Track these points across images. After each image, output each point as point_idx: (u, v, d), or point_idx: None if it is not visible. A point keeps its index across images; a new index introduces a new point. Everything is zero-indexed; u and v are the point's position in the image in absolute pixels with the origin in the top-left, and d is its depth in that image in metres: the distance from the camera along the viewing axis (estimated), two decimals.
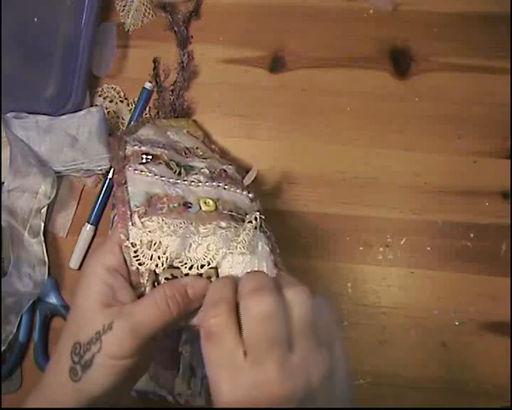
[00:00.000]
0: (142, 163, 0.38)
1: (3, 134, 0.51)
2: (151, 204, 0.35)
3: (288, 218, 0.51)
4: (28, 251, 0.51)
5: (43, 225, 0.51)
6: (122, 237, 0.34)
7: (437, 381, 0.48)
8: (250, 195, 0.40)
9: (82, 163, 0.51)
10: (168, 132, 0.46)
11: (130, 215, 0.34)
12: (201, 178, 0.39)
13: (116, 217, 0.46)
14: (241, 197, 0.39)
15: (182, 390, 0.48)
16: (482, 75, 0.51)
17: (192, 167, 0.40)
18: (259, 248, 0.36)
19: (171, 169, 0.39)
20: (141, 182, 0.37)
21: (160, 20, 0.54)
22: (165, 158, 0.40)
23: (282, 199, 0.51)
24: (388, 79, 0.52)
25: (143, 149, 0.40)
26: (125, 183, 0.37)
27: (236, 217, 0.37)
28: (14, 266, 0.50)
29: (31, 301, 0.50)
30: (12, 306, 0.49)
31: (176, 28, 0.53)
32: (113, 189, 0.47)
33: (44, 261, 0.51)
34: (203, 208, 0.36)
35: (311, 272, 0.50)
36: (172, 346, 0.48)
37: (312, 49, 0.53)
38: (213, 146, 0.49)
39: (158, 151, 0.40)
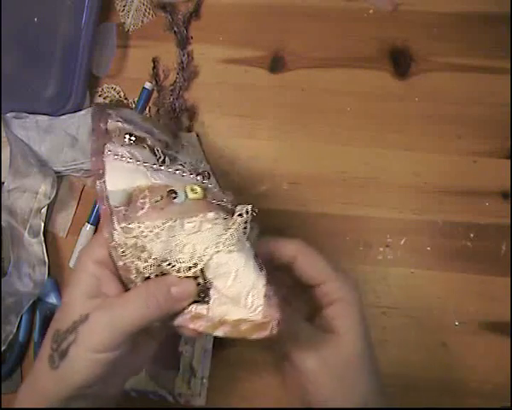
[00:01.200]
0: (123, 145, 0.35)
1: (3, 134, 0.51)
2: (131, 203, 0.33)
3: (288, 218, 0.51)
4: (28, 251, 0.51)
5: (43, 225, 0.51)
6: (107, 236, 0.33)
7: (437, 381, 0.48)
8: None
9: (82, 163, 0.51)
10: (154, 129, 0.42)
11: (111, 215, 0.33)
12: (186, 169, 0.36)
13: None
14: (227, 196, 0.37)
15: (182, 390, 0.48)
16: (482, 75, 0.51)
17: (176, 158, 0.37)
18: (247, 246, 0.33)
19: (156, 156, 0.36)
20: (120, 173, 0.34)
21: (160, 20, 0.54)
22: (150, 143, 0.36)
23: (282, 199, 0.51)
24: (388, 79, 0.52)
25: (126, 127, 0.36)
26: (103, 175, 0.34)
27: (226, 207, 0.34)
28: (14, 266, 0.50)
29: (31, 301, 0.50)
30: (12, 306, 0.49)
31: (176, 28, 0.54)
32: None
33: (44, 261, 0.51)
34: (190, 196, 0.33)
35: None
36: (172, 346, 0.48)
37: (312, 49, 0.53)
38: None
39: (142, 134, 0.37)
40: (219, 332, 0.31)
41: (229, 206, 0.37)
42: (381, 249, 0.50)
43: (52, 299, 0.51)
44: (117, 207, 0.33)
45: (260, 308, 0.31)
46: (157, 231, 0.32)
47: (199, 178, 0.36)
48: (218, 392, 0.48)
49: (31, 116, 0.51)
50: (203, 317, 0.32)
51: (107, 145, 0.35)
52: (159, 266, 0.32)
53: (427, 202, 0.50)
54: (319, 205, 0.51)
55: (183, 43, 0.54)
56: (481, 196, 0.50)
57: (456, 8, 0.52)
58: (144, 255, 0.32)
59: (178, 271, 0.32)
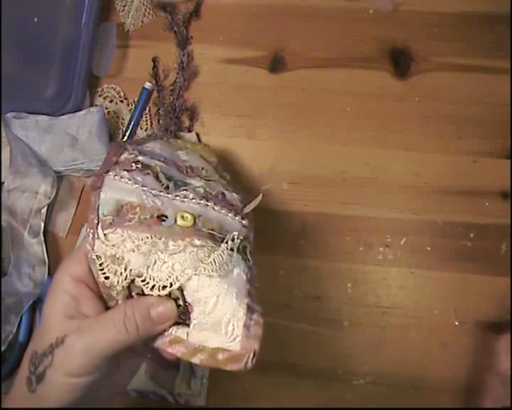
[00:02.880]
0: (127, 170, 0.36)
1: (3, 134, 0.51)
2: (120, 214, 0.33)
3: (288, 218, 0.51)
4: (28, 251, 0.51)
5: (43, 225, 0.51)
6: (88, 247, 0.32)
7: (437, 381, 0.48)
8: (244, 221, 0.36)
9: (82, 163, 0.51)
10: (179, 152, 0.43)
11: (97, 225, 0.32)
12: (191, 195, 0.36)
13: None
14: (232, 222, 0.36)
15: (182, 390, 0.48)
16: (482, 75, 0.51)
17: (186, 184, 0.37)
18: (234, 273, 0.32)
19: (160, 182, 0.36)
20: (116, 188, 0.34)
21: (160, 20, 0.54)
22: (157, 170, 0.37)
23: (282, 199, 0.51)
24: (388, 79, 0.52)
25: (139, 158, 0.37)
26: (100, 187, 0.34)
27: (217, 237, 0.33)
28: (14, 266, 0.50)
29: (31, 301, 0.50)
30: (12, 306, 0.49)
31: (176, 28, 0.54)
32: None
33: (44, 261, 0.51)
34: (179, 222, 0.33)
35: (311, 272, 0.50)
36: None
37: (312, 49, 0.53)
38: (225, 174, 0.45)
39: (152, 162, 0.38)
40: (196, 360, 0.30)
41: (240, 205, 0.37)
42: (381, 249, 0.50)
43: None
44: (105, 216, 0.33)
45: (239, 338, 0.30)
46: (139, 243, 0.31)
47: (202, 201, 0.35)
48: (218, 392, 0.49)
49: (31, 116, 0.51)
50: (182, 342, 0.31)
51: (111, 169, 0.36)
52: (132, 281, 0.32)
53: (427, 202, 0.50)
54: (319, 205, 0.51)
55: (183, 43, 0.54)
56: (481, 196, 0.50)
57: (456, 8, 0.52)
58: (121, 269, 0.31)
59: (152, 289, 0.31)
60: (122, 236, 0.32)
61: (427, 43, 0.52)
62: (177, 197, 0.35)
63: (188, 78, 0.53)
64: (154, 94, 0.54)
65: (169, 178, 0.37)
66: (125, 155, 0.38)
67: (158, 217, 0.33)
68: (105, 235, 0.32)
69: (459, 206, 0.50)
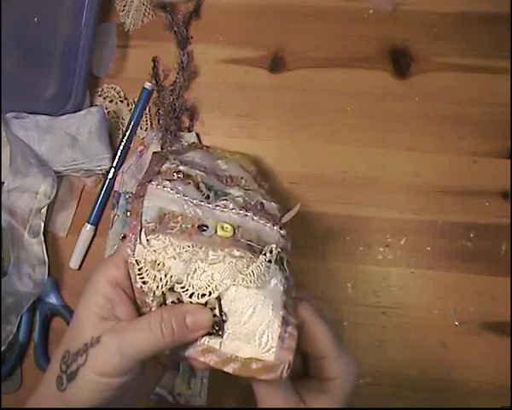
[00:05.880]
0: (169, 180, 0.37)
1: (3, 134, 0.51)
2: (162, 222, 0.34)
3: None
4: (28, 251, 0.51)
5: (43, 225, 0.51)
6: (128, 251, 0.33)
7: (437, 381, 0.48)
8: (282, 231, 0.37)
9: (82, 163, 0.51)
10: (219, 161, 0.44)
11: (140, 231, 0.34)
12: (231, 205, 0.36)
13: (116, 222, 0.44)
14: (270, 232, 0.36)
15: (182, 390, 0.48)
16: (482, 75, 0.51)
17: (225, 194, 0.38)
18: (271, 284, 0.33)
19: (200, 191, 0.37)
20: (159, 197, 0.36)
21: (160, 20, 0.54)
22: (198, 179, 0.38)
23: (282, 199, 0.51)
24: (388, 79, 0.52)
25: (180, 168, 0.38)
26: (143, 196, 0.36)
27: (255, 248, 0.34)
28: (14, 266, 0.50)
29: (31, 301, 0.50)
30: (12, 306, 0.49)
31: (176, 28, 0.54)
32: (128, 199, 0.49)
33: (44, 261, 0.51)
34: (219, 233, 0.34)
35: (311, 272, 0.50)
36: None
37: (312, 49, 0.53)
38: (263, 183, 0.45)
39: (193, 172, 0.39)
40: (229, 369, 0.31)
41: (278, 214, 0.38)
42: (381, 249, 0.50)
43: (52, 299, 0.51)
44: (148, 222, 0.34)
45: (273, 350, 0.31)
46: (180, 250, 0.33)
47: (241, 211, 0.36)
48: (218, 392, 0.49)
49: (31, 116, 0.51)
50: (215, 351, 0.32)
51: (154, 178, 0.37)
52: (171, 288, 0.32)
53: (427, 202, 0.50)
54: (319, 205, 0.51)
55: (183, 43, 0.54)
56: (481, 196, 0.50)
57: (456, 8, 0.52)
58: (160, 275, 0.32)
59: (191, 296, 0.32)
60: (164, 242, 0.33)
61: (427, 43, 0.52)
62: (218, 207, 0.36)
63: (188, 78, 0.53)
64: (154, 94, 0.54)
65: (209, 188, 0.38)
66: (166, 165, 0.39)
67: (198, 227, 0.34)
68: (148, 240, 0.33)
69: (459, 206, 0.50)
